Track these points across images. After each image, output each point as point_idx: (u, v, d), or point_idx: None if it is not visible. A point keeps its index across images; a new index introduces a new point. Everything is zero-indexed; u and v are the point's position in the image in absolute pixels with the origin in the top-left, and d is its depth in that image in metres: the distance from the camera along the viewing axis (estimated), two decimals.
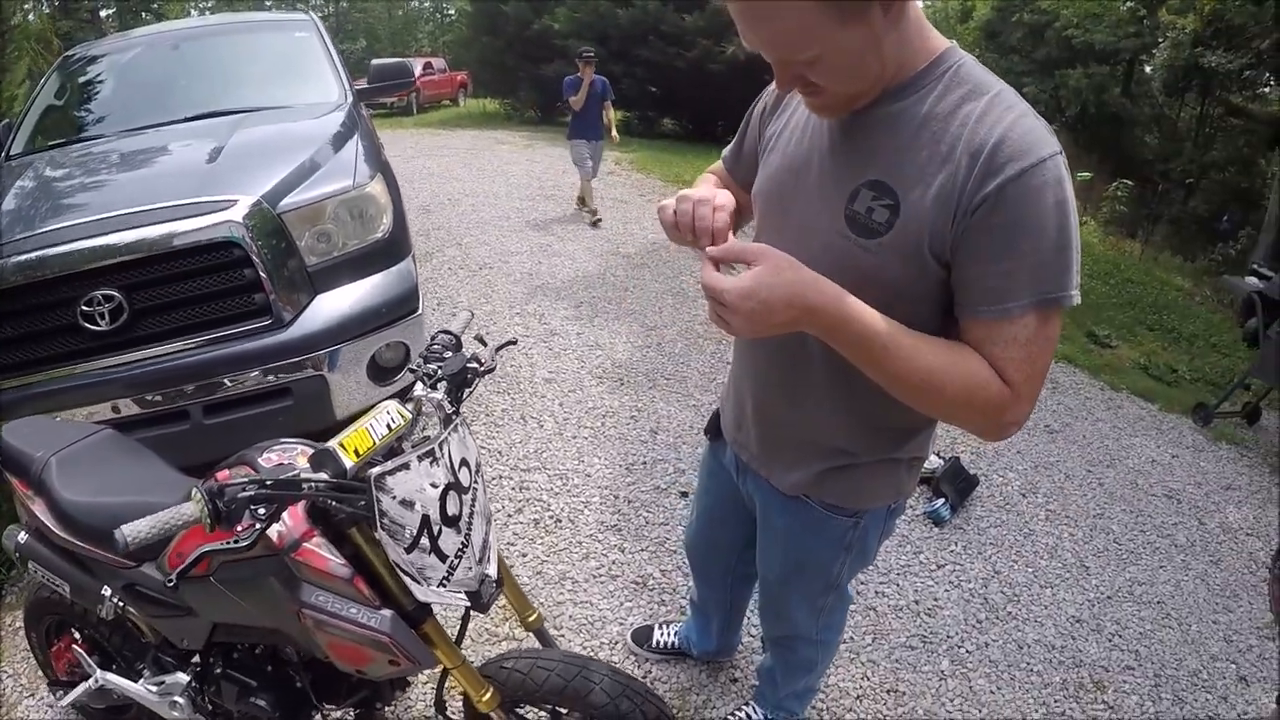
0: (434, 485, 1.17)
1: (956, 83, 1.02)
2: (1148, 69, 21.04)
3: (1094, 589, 2.83)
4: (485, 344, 1.50)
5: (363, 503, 1.10)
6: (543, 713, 1.56)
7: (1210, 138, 19.35)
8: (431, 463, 1.17)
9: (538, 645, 1.63)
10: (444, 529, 1.17)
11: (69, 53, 4.31)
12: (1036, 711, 2.26)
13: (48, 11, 13.54)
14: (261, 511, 1.05)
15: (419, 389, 1.32)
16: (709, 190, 1.15)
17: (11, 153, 3.48)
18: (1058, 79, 19.71)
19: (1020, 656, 2.46)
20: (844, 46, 0.94)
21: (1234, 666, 2.55)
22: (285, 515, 1.22)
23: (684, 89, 13.60)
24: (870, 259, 1.05)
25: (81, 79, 3.94)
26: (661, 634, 2.29)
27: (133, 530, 1.01)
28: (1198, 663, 2.54)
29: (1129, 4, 16.55)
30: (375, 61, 4.24)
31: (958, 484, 3.21)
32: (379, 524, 1.10)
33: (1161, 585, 2.90)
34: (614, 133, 7.74)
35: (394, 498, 1.11)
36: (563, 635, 2.35)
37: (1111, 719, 2.27)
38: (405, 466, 1.12)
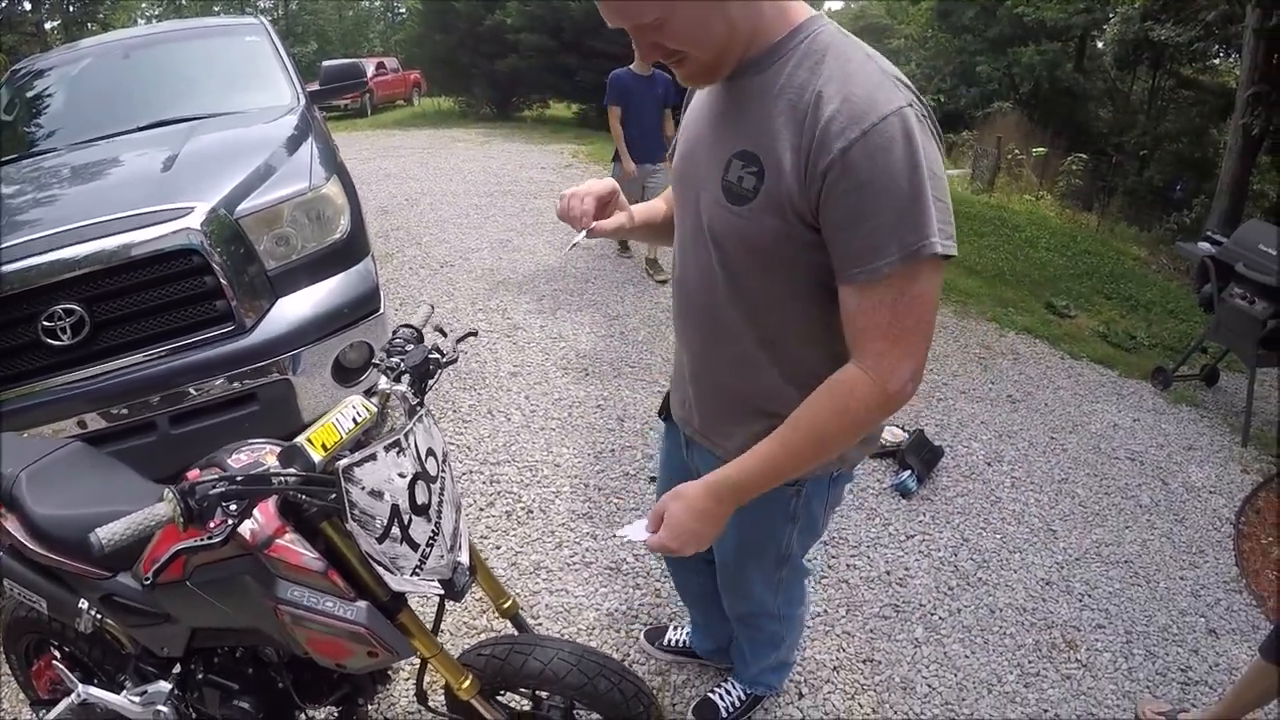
0: (402, 475, 1.19)
1: (810, 51, 1.05)
2: (1099, 44, 21.40)
3: (1062, 551, 2.91)
4: (445, 335, 1.52)
5: (333, 495, 1.12)
6: (523, 698, 1.58)
7: (1163, 110, 19.76)
8: (398, 453, 1.19)
9: (514, 632, 1.66)
10: (414, 518, 1.19)
11: (16, 66, 4.23)
12: (1011, 673, 2.32)
13: None
14: (233, 508, 1.06)
15: (383, 382, 1.34)
16: (588, 184, 1.37)
17: None
18: (1011, 56, 19.98)
19: (993, 620, 2.52)
20: (684, 11, 1.02)
21: (1203, 620, 2.63)
22: (257, 513, 1.23)
23: None
24: (745, 225, 1.12)
25: (30, 92, 3.87)
26: (674, 633, 2.29)
27: (108, 532, 1.02)
28: (1167, 618, 2.62)
29: None
30: (326, 63, 4.20)
31: (923, 455, 3.28)
32: (349, 515, 1.12)
33: (1128, 545, 2.98)
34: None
35: (363, 489, 1.13)
36: (540, 624, 2.37)
37: (1085, 677, 2.33)
38: (372, 458, 1.14)
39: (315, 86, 4.00)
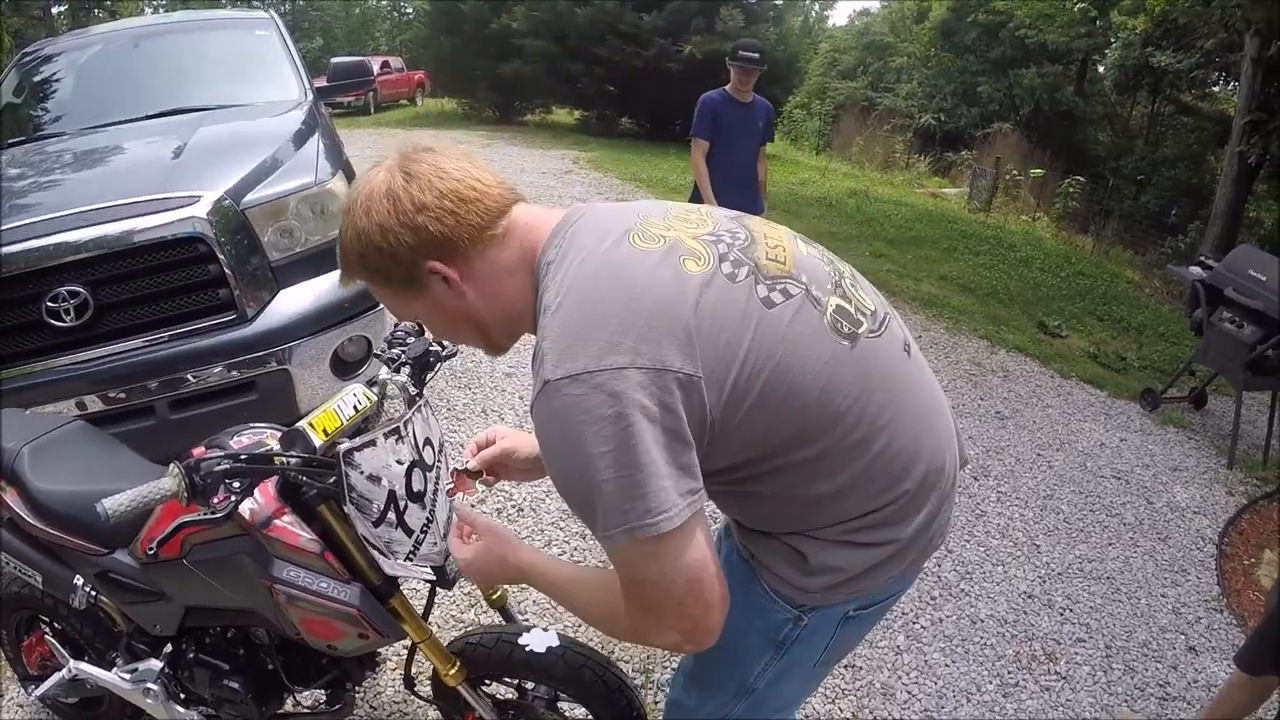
0: (399, 462, 1.22)
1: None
2: (1100, 68, 21.58)
3: (1045, 566, 2.94)
4: None
5: (332, 479, 1.15)
6: (508, 687, 1.61)
7: (1161, 135, 19.94)
8: (397, 440, 1.22)
9: (502, 622, 1.68)
10: (409, 504, 1.22)
11: (25, 50, 4.24)
12: (991, 682, 2.35)
13: None
14: (236, 485, 1.09)
15: (383, 372, 1.37)
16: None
17: None
18: (1012, 78, 20.14)
19: (974, 631, 2.55)
20: (420, 311, 1.08)
21: (1183, 637, 2.66)
22: (257, 493, 1.25)
23: (642, 88, 13.64)
24: None
25: (39, 77, 3.90)
26: None
27: (113, 503, 1.05)
28: (1147, 634, 2.64)
29: (1081, 5, 16.98)
30: (335, 60, 4.24)
31: None
32: (347, 499, 1.15)
33: (1111, 561, 3.02)
34: (764, 197, 4.50)
35: (362, 473, 1.16)
36: (527, 617, 2.39)
37: (1064, 689, 2.36)
38: (372, 443, 1.17)
39: (322, 82, 4.04)
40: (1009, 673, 2.40)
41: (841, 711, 2.18)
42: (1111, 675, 2.45)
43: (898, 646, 2.44)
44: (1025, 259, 7.81)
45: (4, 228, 2.40)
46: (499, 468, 1.37)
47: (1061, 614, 2.69)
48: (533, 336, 1.02)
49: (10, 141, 3.35)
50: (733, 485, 1.05)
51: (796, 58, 15.48)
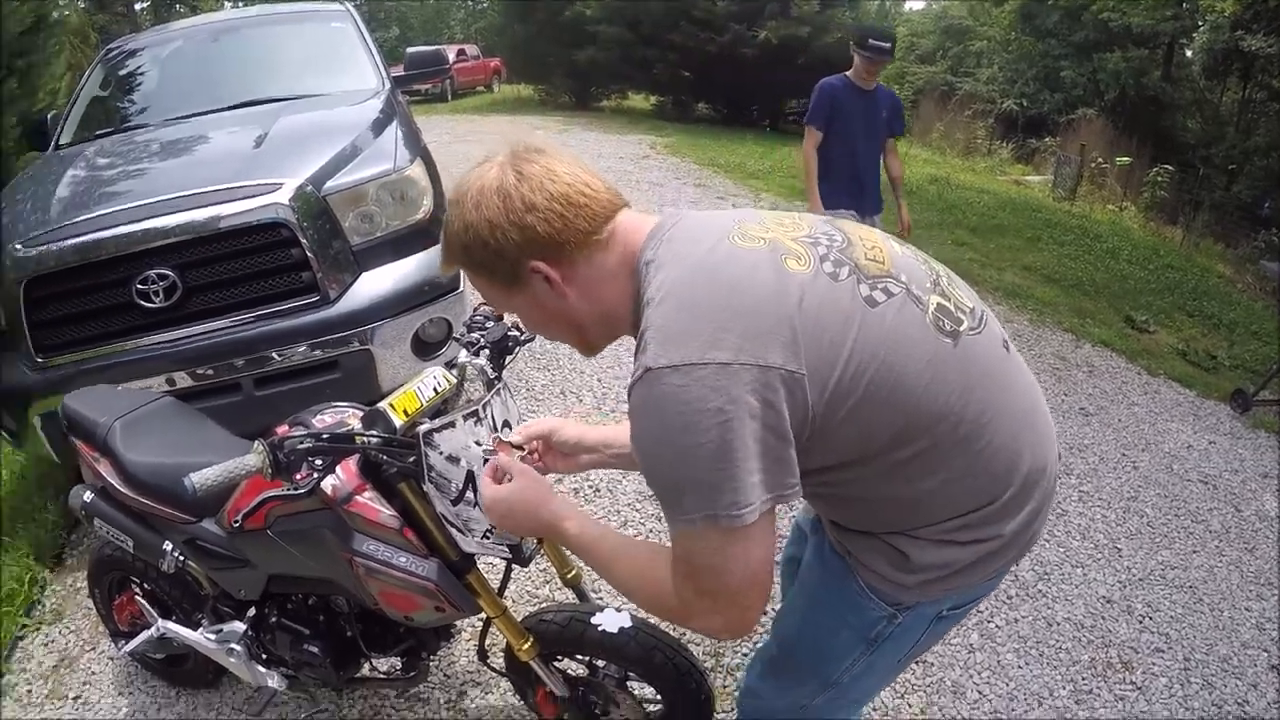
0: (478, 443, 1.24)
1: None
2: (1188, 52, 20.51)
3: (1125, 570, 2.82)
4: None
5: (412, 458, 1.17)
6: (579, 664, 1.62)
7: (1253, 123, 18.80)
8: (475, 422, 1.24)
9: (576, 601, 1.69)
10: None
11: (111, 46, 4.41)
12: (1064, 688, 2.27)
13: (84, 6, 13.90)
14: (318, 463, 1.12)
15: (463, 355, 1.39)
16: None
17: (61, 143, 3.61)
18: (1096, 62, 19.30)
19: (1049, 633, 2.47)
20: (519, 307, 1.09)
21: (1265, 655, 2.51)
22: (339, 470, 1.29)
23: (717, 73, 13.56)
24: None
25: (124, 71, 4.07)
26: None
27: (200, 478, 1.09)
28: (1229, 649, 2.51)
29: None
30: (411, 49, 4.32)
31: None
32: (427, 478, 1.17)
33: (1194, 570, 2.87)
34: (904, 213, 4.21)
35: (441, 454, 1.18)
36: (600, 597, 2.41)
37: (1139, 700, 2.26)
38: (451, 425, 1.19)
39: (399, 71, 4.10)
40: (1083, 679, 2.31)
41: (910, 707, 2.14)
42: (1189, 689, 2.33)
43: (971, 645, 2.37)
44: (1112, 250, 7.49)
45: (96, 214, 2.52)
46: (543, 453, 1.37)
47: (1140, 622, 2.58)
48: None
49: (99, 133, 3.51)
50: (833, 485, 1.05)
51: None
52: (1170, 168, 11.98)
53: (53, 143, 3.65)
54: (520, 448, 1.33)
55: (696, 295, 0.92)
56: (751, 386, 0.88)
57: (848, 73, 3.91)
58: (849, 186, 3.90)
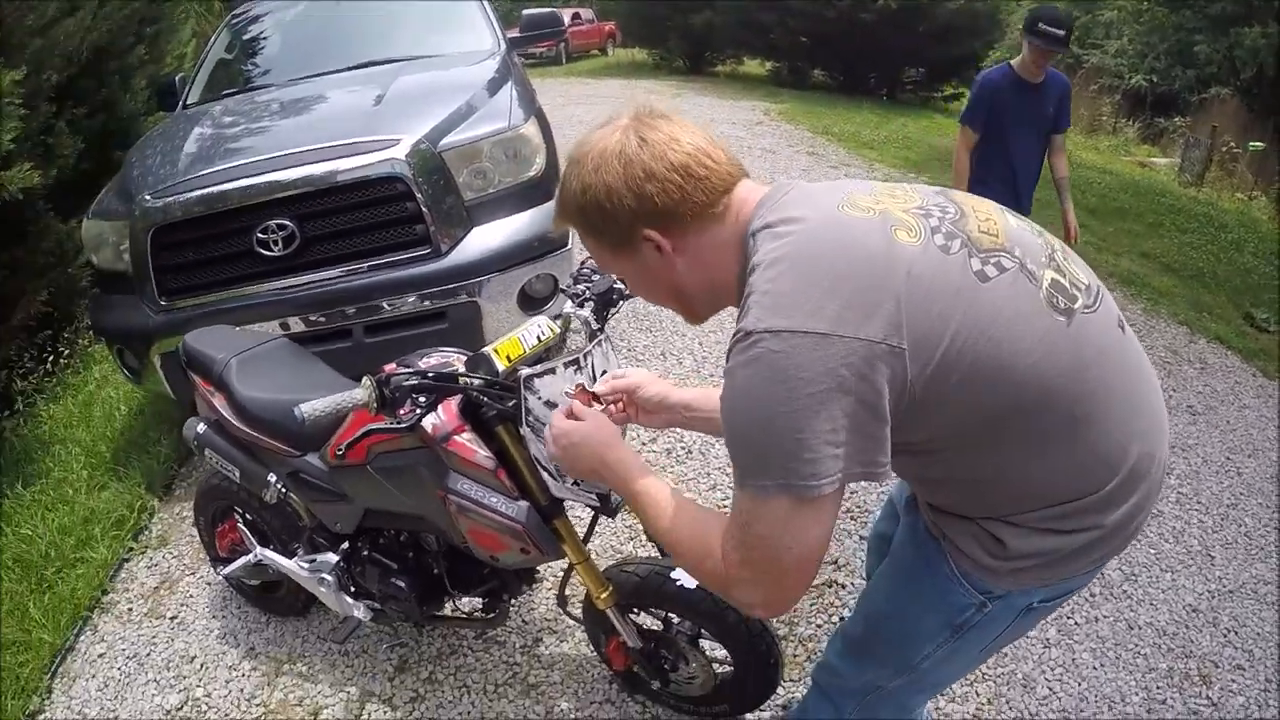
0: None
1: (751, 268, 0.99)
2: None
3: (1216, 580, 2.68)
4: None
5: (512, 402, 1.23)
6: (654, 618, 1.67)
7: None
8: (576, 370, 1.29)
9: (658, 556, 1.73)
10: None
11: (236, 11, 4.63)
12: (1137, 695, 2.20)
13: None
14: (422, 400, 1.19)
15: (568, 306, 1.44)
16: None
17: (189, 102, 3.83)
18: (1233, 37, 17.73)
19: (1129, 637, 2.39)
20: (627, 270, 1.10)
21: None
22: (440, 410, 1.36)
23: (835, 39, 13.03)
24: None
25: (247, 35, 4.28)
26: None
27: (310, 408, 1.18)
28: None
29: None
30: (526, 12, 4.37)
31: None
32: (524, 421, 1.23)
33: None
34: (1070, 217, 3.77)
35: (540, 398, 1.23)
36: None
37: (1212, 716, 2.17)
38: (551, 371, 1.24)
39: (515, 33, 4.18)
40: (1158, 688, 2.23)
41: (978, 695, 2.12)
42: (1266, 711, 2.21)
43: (1047, 640, 2.32)
44: (1237, 242, 6.98)
45: (220, 168, 2.68)
46: (627, 404, 1.37)
47: (1225, 635, 2.45)
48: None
49: (224, 93, 3.71)
50: (932, 464, 1.04)
51: (997, 9, 14.34)
52: None
53: (180, 103, 3.87)
54: (598, 399, 1.36)
55: (801, 263, 0.91)
56: (848, 359, 0.87)
57: (1012, 62, 3.49)
58: (1003, 192, 3.41)
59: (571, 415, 1.21)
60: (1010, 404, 0.94)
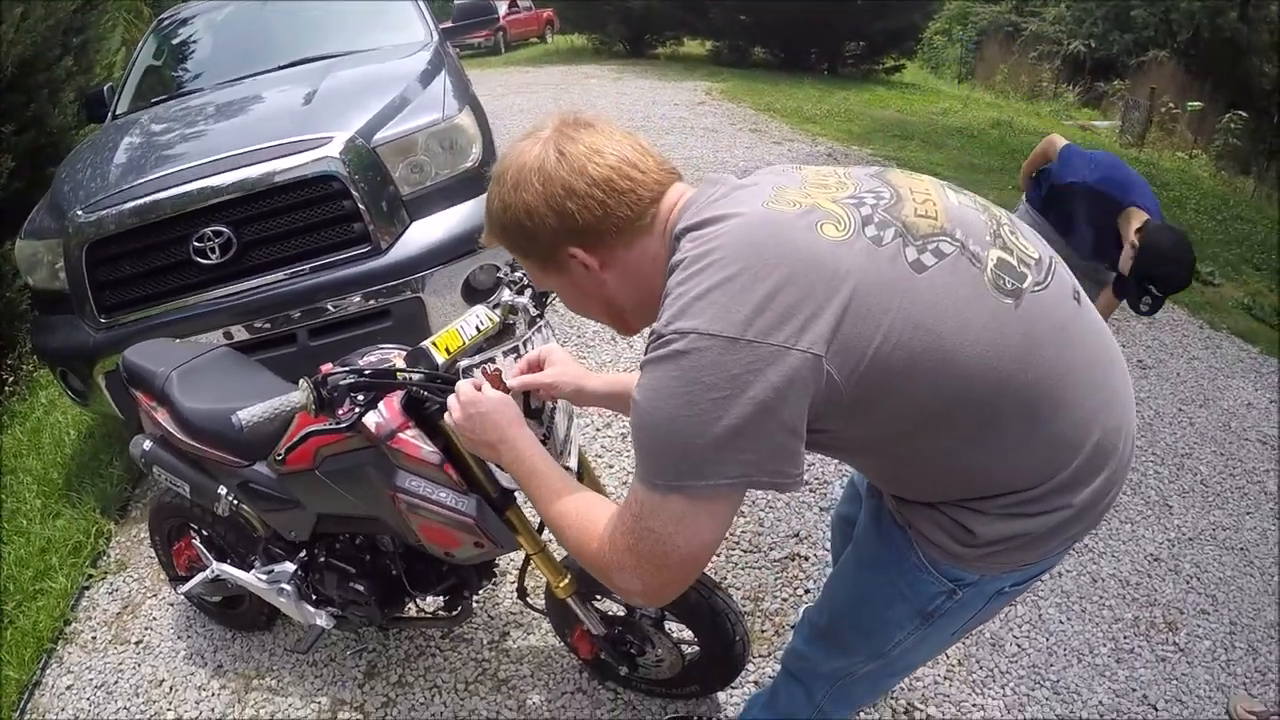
0: None
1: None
2: None
3: (1175, 529, 2.75)
4: None
5: (453, 395, 1.21)
6: (617, 604, 1.67)
7: None
8: (516, 358, 1.27)
9: None
10: (527, 420, 1.27)
11: (162, 16, 4.52)
12: (1105, 645, 2.25)
13: None
14: (361, 398, 1.17)
15: (506, 294, 1.42)
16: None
17: (118, 112, 3.72)
18: (1168, 3, 18.25)
19: (1093, 589, 2.44)
20: (556, 286, 1.09)
21: None
22: (382, 408, 1.34)
23: (775, 16, 13.10)
24: None
25: (176, 39, 4.17)
26: None
27: (248, 414, 1.15)
28: (1276, 614, 2.44)
29: None
30: (458, 1, 4.32)
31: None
32: None
33: (1247, 532, 2.79)
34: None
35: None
36: None
37: (1180, 662, 2.23)
38: (491, 361, 1.22)
39: (448, 24, 4.13)
40: (1125, 637, 2.28)
41: (948, 657, 2.15)
42: (1233, 654, 2.28)
43: None
44: (1179, 199, 7.17)
45: (152, 177, 2.61)
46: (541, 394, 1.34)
47: (1187, 582, 2.52)
48: None
49: (154, 100, 3.61)
50: (887, 457, 1.02)
51: None
52: (1244, 114, 11.31)
53: (110, 113, 3.76)
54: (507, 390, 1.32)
55: (715, 266, 0.88)
56: (754, 365, 0.84)
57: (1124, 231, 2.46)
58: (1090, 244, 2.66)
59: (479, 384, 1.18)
60: (958, 395, 0.91)
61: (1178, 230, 2.46)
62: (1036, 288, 0.96)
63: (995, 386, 0.92)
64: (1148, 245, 2.33)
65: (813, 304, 0.86)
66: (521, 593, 1.66)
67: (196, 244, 2.54)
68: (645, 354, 0.91)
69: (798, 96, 9.96)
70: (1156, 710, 2.08)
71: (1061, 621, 2.30)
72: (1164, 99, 11.71)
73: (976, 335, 0.90)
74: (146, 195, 2.55)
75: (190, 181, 2.54)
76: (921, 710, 2.00)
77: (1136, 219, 2.40)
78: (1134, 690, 2.13)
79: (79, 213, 2.60)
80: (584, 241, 0.98)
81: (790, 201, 0.94)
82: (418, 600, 1.76)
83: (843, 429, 0.94)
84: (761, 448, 0.87)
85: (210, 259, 2.55)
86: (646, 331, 1.00)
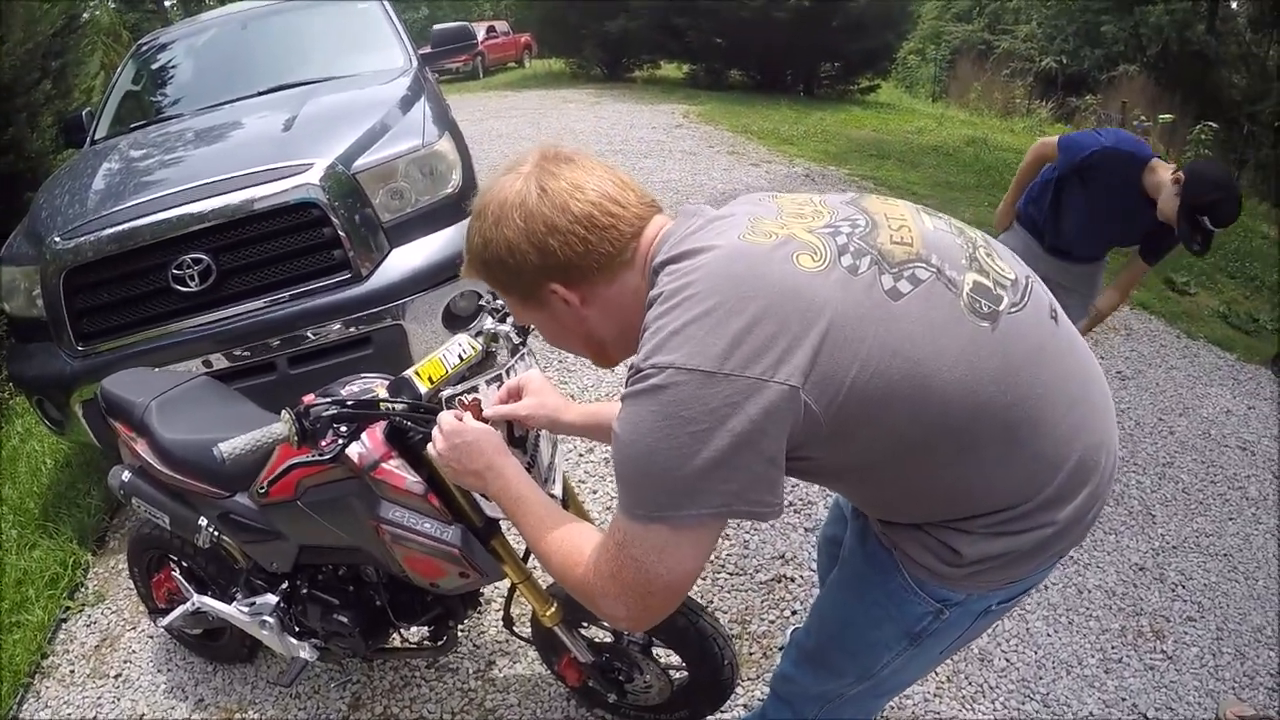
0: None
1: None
2: (1233, 4, 19.69)
3: (1159, 538, 2.77)
4: None
5: (436, 426, 1.20)
6: (604, 630, 1.65)
7: None
8: (498, 387, 1.26)
9: None
10: (510, 449, 1.26)
11: (141, 41, 4.50)
12: (1093, 656, 2.25)
13: (114, 5, 14.14)
14: (343, 429, 1.16)
15: (488, 322, 1.42)
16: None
17: (96, 137, 3.69)
18: (1138, 16, 18.56)
19: (1080, 601, 2.45)
20: (537, 321, 1.09)
21: None
22: (365, 438, 1.33)
23: (750, 39, 13.24)
24: None
25: (155, 64, 4.15)
26: None
27: (229, 446, 1.14)
28: (1263, 619, 2.46)
29: None
30: (437, 27, 4.32)
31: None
32: None
33: (1230, 538, 2.81)
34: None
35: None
36: None
37: (1169, 669, 2.24)
38: (474, 390, 1.21)
39: (427, 49, 4.13)
40: (1113, 647, 2.29)
41: (937, 675, 2.14)
42: (1221, 659, 2.30)
43: None
44: None
45: (130, 204, 2.58)
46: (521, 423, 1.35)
47: (1173, 590, 2.54)
48: None
49: (133, 126, 3.58)
50: (870, 482, 1.03)
51: (908, 1, 14.79)
52: (1214, 125, 11.57)
53: (89, 138, 3.74)
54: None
55: (693, 300, 0.89)
56: (732, 399, 0.85)
57: (1151, 173, 2.50)
58: (1078, 243, 2.82)
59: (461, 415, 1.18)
60: (936, 421, 0.92)
61: (1218, 163, 2.50)
62: (1013, 309, 0.97)
63: (973, 411, 0.92)
64: (1193, 177, 2.32)
65: (789, 336, 0.86)
66: (508, 621, 1.64)
67: (175, 271, 2.51)
68: (625, 388, 0.92)
69: (774, 118, 10.06)
70: (1147, 718, 2.08)
71: (1049, 634, 2.31)
72: (1136, 112, 11.96)
73: (954, 361, 0.90)
74: (125, 222, 2.52)
75: (169, 208, 2.52)
76: None
77: (1163, 169, 2.45)
78: (1124, 700, 2.13)
79: (57, 239, 2.57)
80: (565, 278, 0.99)
81: (766, 233, 0.94)
82: (402, 631, 1.73)
83: (823, 457, 0.94)
84: (741, 478, 0.88)
85: (189, 286, 2.53)
86: (628, 360, 1.00)
